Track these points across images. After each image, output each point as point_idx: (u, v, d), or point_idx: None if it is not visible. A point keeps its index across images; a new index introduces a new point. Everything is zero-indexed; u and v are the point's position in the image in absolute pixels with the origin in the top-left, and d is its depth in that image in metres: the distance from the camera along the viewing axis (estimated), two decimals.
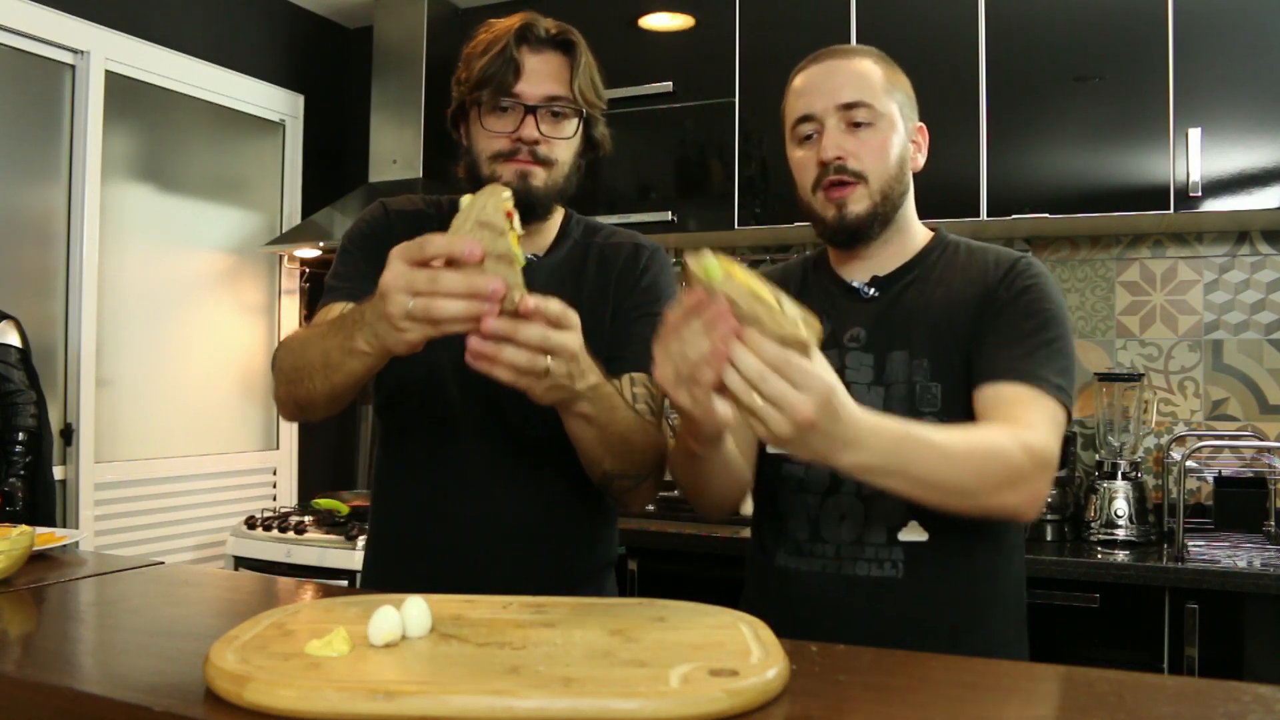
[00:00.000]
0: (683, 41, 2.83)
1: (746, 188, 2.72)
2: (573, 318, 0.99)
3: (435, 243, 0.92)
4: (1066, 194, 2.39)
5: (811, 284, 1.34)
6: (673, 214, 2.80)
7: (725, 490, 1.23)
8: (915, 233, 1.32)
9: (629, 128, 2.72)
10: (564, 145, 1.29)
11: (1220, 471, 2.45)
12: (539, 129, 1.27)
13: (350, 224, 1.39)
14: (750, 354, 0.86)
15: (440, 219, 1.34)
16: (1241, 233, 2.58)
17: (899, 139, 1.25)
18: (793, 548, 1.24)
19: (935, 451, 1.00)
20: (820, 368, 0.87)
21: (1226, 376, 2.59)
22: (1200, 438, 2.51)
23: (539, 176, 1.27)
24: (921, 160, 1.30)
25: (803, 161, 1.26)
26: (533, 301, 0.95)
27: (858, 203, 1.23)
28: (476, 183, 1.26)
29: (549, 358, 0.97)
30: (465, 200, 0.98)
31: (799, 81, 1.27)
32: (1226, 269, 2.60)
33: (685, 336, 0.90)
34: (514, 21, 1.28)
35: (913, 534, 1.18)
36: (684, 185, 2.83)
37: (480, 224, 0.94)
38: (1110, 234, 2.68)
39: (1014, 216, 2.43)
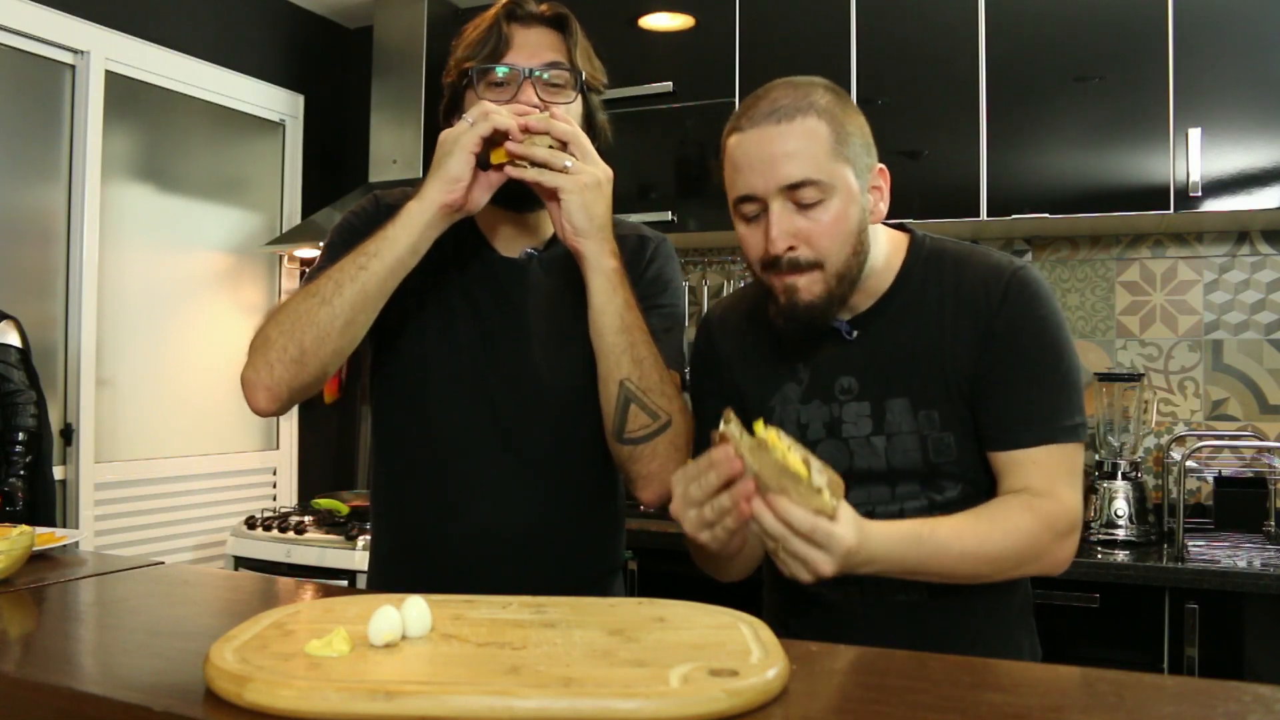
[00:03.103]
0: (683, 41, 2.83)
1: None
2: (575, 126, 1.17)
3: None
4: (1066, 194, 2.39)
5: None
6: (673, 214, 2.80)
7: (745, 561, 1.20)
8: (886, 252, 1.18)
9: (629, 128, 2.72)
10: (565, 114, 1.21)
11: (1220, 471, 2.45)
12: (538, 96, 1.20)
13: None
14: (772, 516, 0.92)
15: None
16: (1241, 233, 2.58)
17: (855, 208, 1.10)
18: None
19: (950, 554, 1.05)
20: (844, 526, 0.94)
21: (1226, 376, 2.59)
22: (1200, 438, 2.51)
23: None
24: (884, 208, 1.16)
25: (749, 239, 1.14)
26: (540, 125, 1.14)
27: (811, 289, 1.11)
28: None
29: (569, 160, 1.12)
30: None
31: (735, 151, 1.11)
32: (1226, 269, 2.60)
33: (704, 485, 0.95)
34: (501, 3, 1.23)
35: None
36: (684, 185, 2.83)
37: None
38: (1110, 234, 2.68)
39: (1014, 216, 2.43)
